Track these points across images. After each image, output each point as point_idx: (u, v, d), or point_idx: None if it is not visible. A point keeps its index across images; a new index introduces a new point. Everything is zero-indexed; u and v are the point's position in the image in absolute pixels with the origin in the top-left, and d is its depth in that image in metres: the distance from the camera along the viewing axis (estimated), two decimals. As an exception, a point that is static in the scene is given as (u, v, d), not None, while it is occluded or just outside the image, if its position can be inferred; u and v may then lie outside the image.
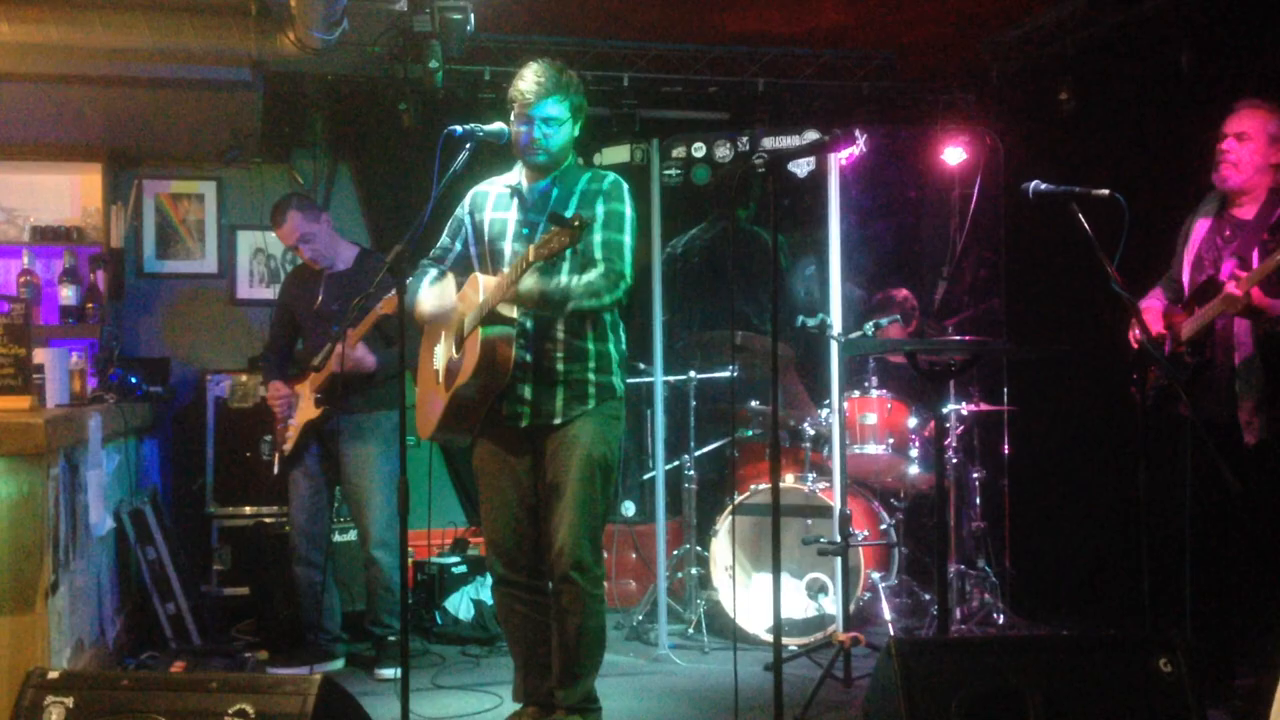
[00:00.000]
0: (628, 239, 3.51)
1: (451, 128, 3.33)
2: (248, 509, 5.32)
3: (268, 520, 5.22)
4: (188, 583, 5.04)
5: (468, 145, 3.37)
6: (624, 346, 3.66)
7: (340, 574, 4.92)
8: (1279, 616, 3.73)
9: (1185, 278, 3.96)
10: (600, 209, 3.49)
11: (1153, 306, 4.01)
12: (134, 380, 5.17)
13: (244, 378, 5.44)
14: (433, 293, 3.57)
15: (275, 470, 4.78)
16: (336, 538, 5.00)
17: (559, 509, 3.48)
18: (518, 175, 3.62)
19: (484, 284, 3.42)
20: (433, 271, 3.68)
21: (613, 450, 3.58)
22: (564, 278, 3.42)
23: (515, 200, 3.59)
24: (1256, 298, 3.61)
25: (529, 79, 3.46)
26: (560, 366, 3.48)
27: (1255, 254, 3.69)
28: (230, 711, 2.67)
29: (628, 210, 3.53)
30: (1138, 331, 3.93)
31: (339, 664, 4.67)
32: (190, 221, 6.09)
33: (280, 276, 6.01)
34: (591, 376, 3.52)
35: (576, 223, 3.12)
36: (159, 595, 4.85)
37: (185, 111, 5.44)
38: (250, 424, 5.32)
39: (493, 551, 3.63)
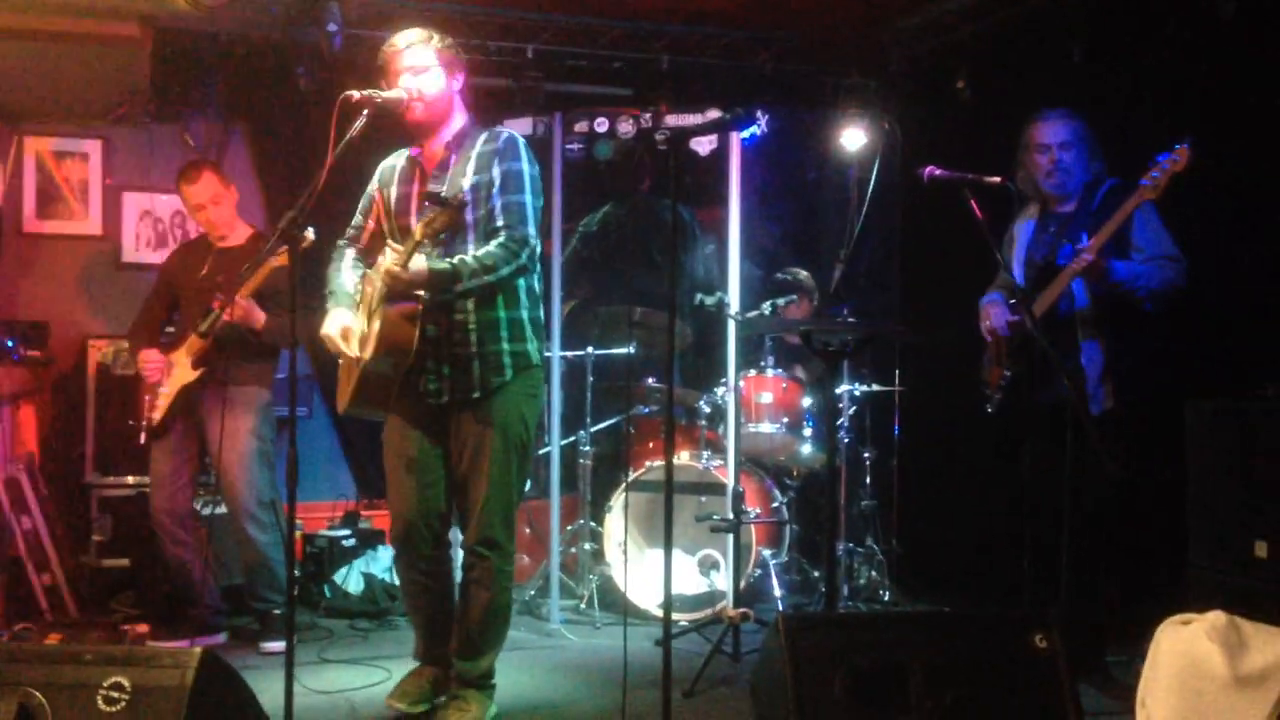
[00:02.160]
0: (529, 198, 3.47)
1: (349, 93, 3.25)
2: (130, 479, 5.16)
3: (147, 490, 5.07)
4: (65, 553, 4.90)
5: (365, 111, 3.29)
6: (539, 311, 3.65)
7: (217, 549, 4.80)
8: (1153, 596, 3.88)
9: (1018, 274, 4.13)
10: (496, 170, 3.47)
11: (996, 300, 4.18)
12: (10, 344, 5.00)
13: (126, 343, 5.27)
14: (339, 316, 3.51)
15: (141, 439, 4.62)
16: (211, 510, 4.88)
17: (474, 486, 3.50)
18: (417, 147, 3.59)
19: (384, 260, 3.37)
20: (350, 252, 3.68)
21: (529, 429, 3.59)
22: (466, 252, 3.39)
23: (417, 171, 3.56)
24: (1103, 265, 3.82)
25: (392, 39, 3.51)
26: (472, 338, 3.46)
27: (1085, 235, 3.88)
28: (106, 685, 2.61)
29: (525, 167, 3.50)
30: (989, 322, 4.14)
31: (222, 637, 4.58)
32: (74, 180, 5.87)
33: (169, 241, 5.86)
34: (505, 346, 3.50)
35: (454, 203, 3.13)
36: (34, 565, 4.70)
37: (70, 66, 5.24)
38: (133, 391, 5.14)
39: (397, 522, 3.61)
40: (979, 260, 4.11)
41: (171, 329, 4.78)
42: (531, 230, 3.46)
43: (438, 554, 3.66)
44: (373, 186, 3.70)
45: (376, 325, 3.36)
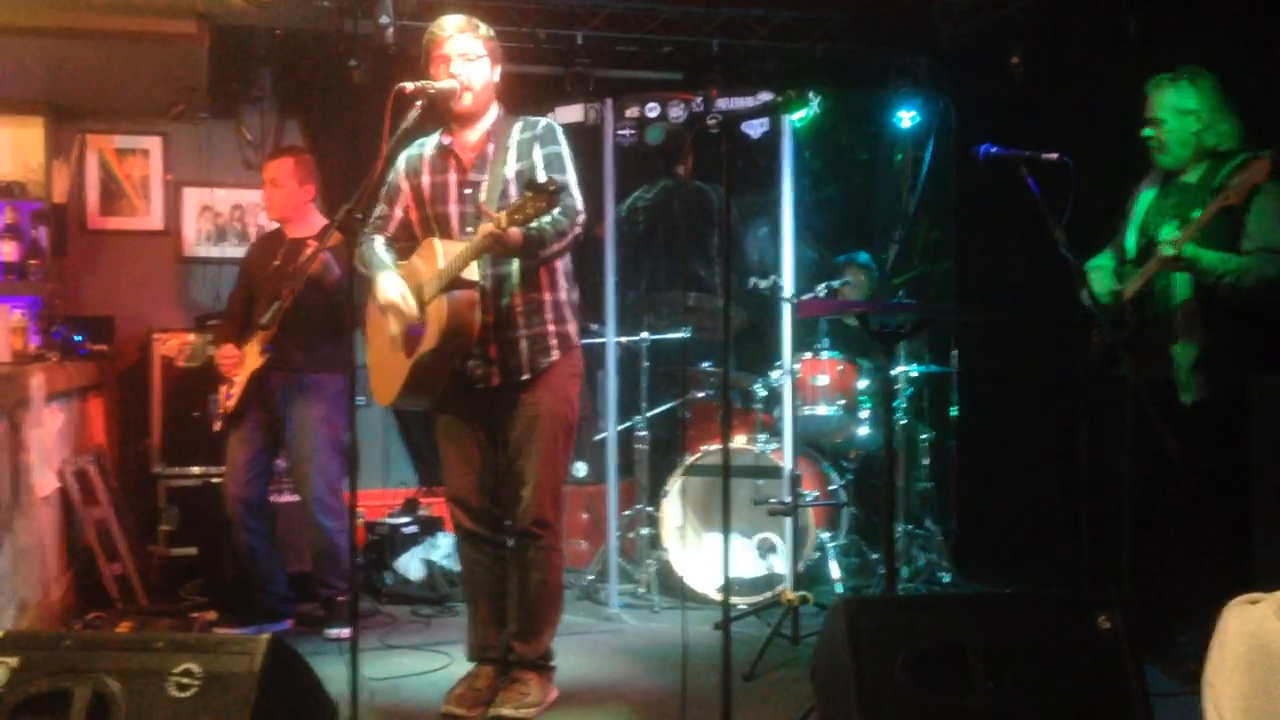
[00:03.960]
0: (571, 176, 3.53)
1: (402, 84, 3.27)
2: (195, 469, 5.26)
3: (215, 480, 5.15)
4: (134, 543, 5.00)
5: (419, 103, 3.31)
6: (576, 294, 3.69)
7: (285, 535, 4.88)
8: (1220, 577, 3.81)
9: (1130, 244, 4.02)
10: (538, 154, 3.53)
11: (1103, 265, 4.07)
12: (78, 339, 5.10)
13: (191, 336, 5.36)
14: (395, 280, 3.50)
15: (217, 427, 4.70)
16: (281, 498, 4.96)
17: (523, 467, 3.55)
18: (448, 135, 3.60)
19: (443, 250, 3.38)
20: (378, 239, 3.66)
21: (574, 409, 3.64)
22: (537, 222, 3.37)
23: (452, 160, 3.58)
24: (1190, 253, 3.68)
25: (437, 25, 3.52)
26: (521, 321, 3.52)
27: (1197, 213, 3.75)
28: (176, 671, 2.66)
29: (564, 149, 3.58)
30: (1085, 293, 4.01)
31: (287, 624, 4.65)
32: (135, 177, 5.97)
33: (227, 235, 5.95)
34: (551, 327, 3.56)
35: (552, 188, 3.11)
36: (104, 555, 4.80)
37: (129, 64, 5.32)
38: (197, 383, 5.25)
39: (457, 507, 3.67)
40: (1037, 239, 4.05)
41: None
42: (580, 202, 3.51)
43: (497, 536, 3.69)
44: (397, 175, 3.67)
45: (436, 314, 3.38)
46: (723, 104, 5.19)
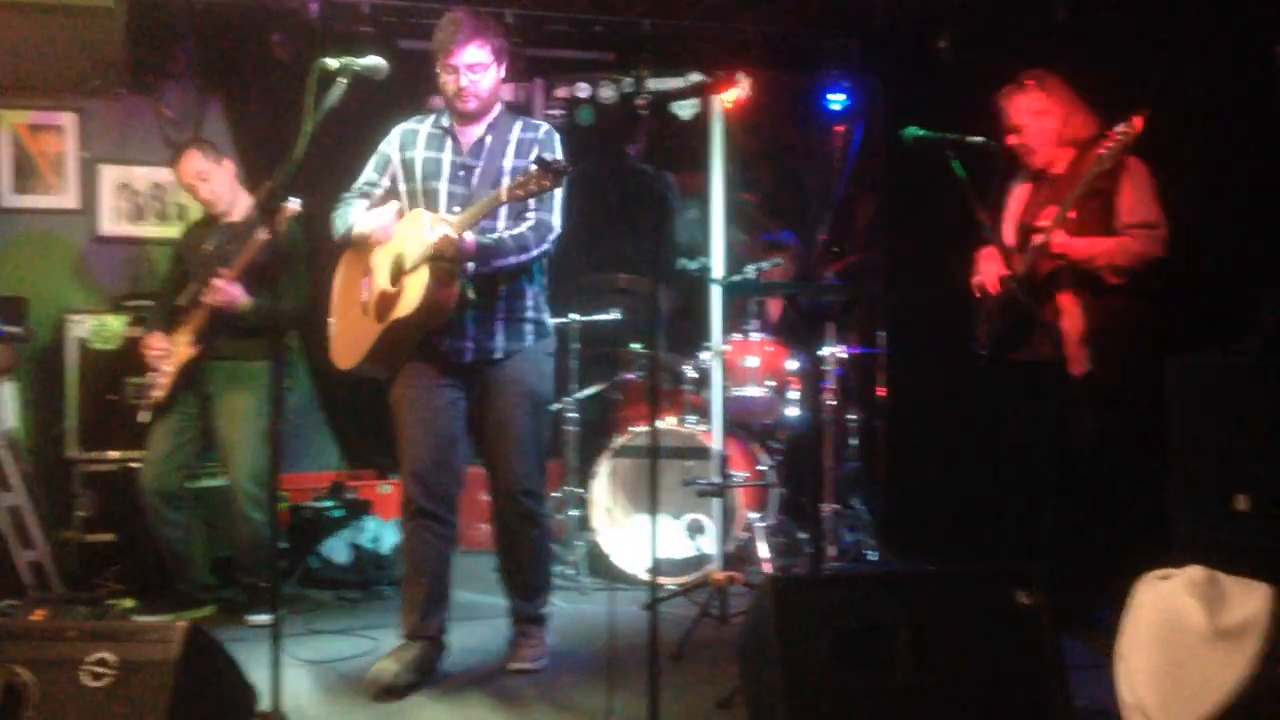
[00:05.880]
0: (559, 192, 3.62)
1: (325, 60, 3.21)
2: (113, 453, 5.12)
3: (134, 465, 5.03)
4: (49, 529, 4.88)
5: (343, 79, 3.25)
6: (546, 286, 3.86)
7: (210, 519, 4.79)
8: (1137, 553, 3.90)
9: (1010, 238, 4.16)
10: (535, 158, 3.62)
11: (993, 254, 4.17)
12: (-12, 320, 4.95)
13: (107, 318, 5.22)
14: (373, 213, 3.66)
15: (147, 418, 4.59)
16: (208, 483, 4.87)
17: (505, 442, 3.68)
18: (447, 118, 3.73)
19: (429, 220, 3.47)
20: (360, 204, 3.75)
21: (550, 385, 3.81)
22: (495, 229, 3.58)
23: (449, 142, 3.70)
24: (1060, 242, 3.83)
25: (448, 28, 3.59)
26: (502, 304, 3.64)
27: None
28: (90, 660, 2.61)
29: (560, 158, 3.66)
30: (979, 277, 4.12)
31: (208, 610, 4.58)
32: (49, 154, 5.80)
33: (146, 214, 5.83)
34: (529, 314, 3.72)
35: (559, 167, 3.24)
36: (18, 542, 4.69)
37: (44, 38, 5.15)
38: (114, 366, 5.12)
39: (413, 482, 3.68)
40: (965, 221, 4.10)
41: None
42: (559, 220, 3.66)
43: (449, 515, 3.73)
44: (389, 147, 3.78)
45: (416, 282, 3.45)
46: (653, 84, 5.16)
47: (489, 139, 3.68)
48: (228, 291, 4.33)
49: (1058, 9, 4.79)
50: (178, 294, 4.68)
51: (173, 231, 5.66)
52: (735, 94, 4.80)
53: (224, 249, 4.47)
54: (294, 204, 4.12)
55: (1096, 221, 3.89)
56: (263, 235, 4.18)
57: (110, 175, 5.87)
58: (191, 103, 5.89)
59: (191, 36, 5.71)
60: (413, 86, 4.91)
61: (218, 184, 4.62)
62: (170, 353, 4.52)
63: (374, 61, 3.36)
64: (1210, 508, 3.74)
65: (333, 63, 3.21)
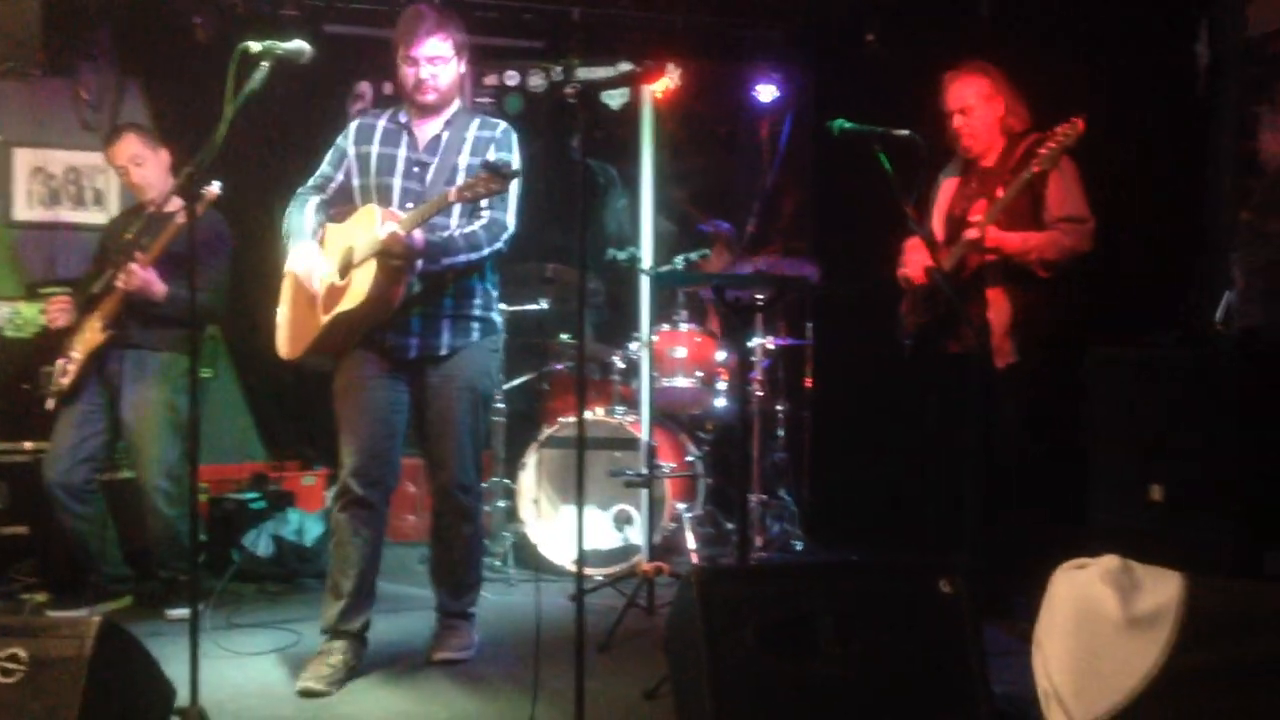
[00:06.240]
0: (514, 190, 3.63)
1: (246, 44, 3.15)
2: (26, 444, 4.99)
3: (45, 460, 4.92)
4: (-41, 522, 4.73)
5: (265, 63, 3.19)
6: (498, 284, 3.88)
7: (121, 511, 4.68)
8: (1056, 542, 3.97)
9: (940, 226, 4.21)
10: (493, 157, 3.59)
11: (919, 244, 4.21)
12: (-104, 306, 4.79)
13: (22, 305, 5.09)
14: (307, 252, 3.63)
15: (50, 405, 4.47)
16: (118, 475, 4.75)
17: (448, 435, 3.68)
18: (404, 112, 3.73)
19: (380, 216, 3.47)
20: (314, 199, 3.74)
21: (493, 381, 3.88)
22: (448, 227, 3.58)
23: (405, 137, 3.69)
24: (994, 237, 3.90)
25: (410, 20, 3.62)
26: (450, 301, 3.64)
27: (999, 194, 3.94)
28: (1, 656, 2.54)
29: (515, 160, 3.69)
30: (905, 269, 4.16)
31: (125, 602, 4.48)
32: (-40, 137, 5.64)
33: (61, 199, 5.69)
34: (477, 312, 3.72)
35: (507, 172, 3.27)
36: (-73, 535, 4.54)
37: (-47, 18, 5.00)
38: (28, 354, 4.98)
39: (351, 473, 3.64)
40: (892, 213, 4.14)
41: None
42: (513, 219, 3.67)
43: (383, 508, 3.72)
44: (345, 141, 3.77)
45: (363, 277, 3.45)
46: (583, 73, 5.15)
47: (445, 135, 3.68)
48: (142, 276, 4.23)
49: (980, 2, 4.85)
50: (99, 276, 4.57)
51: (90, 217, 5.53)
52: (665, 84, 4.81)
53: (144, 236, 4.37)
54: (214, 188, 4.05)
55: (1025, 215, 3.95)
56: (180, 219, 4.10)
57: (25, 159, 5.72)
58: (110, 85, 5.76)
59: (110, 18, 5.57)
60: (337, 71, 4.86)
61: (150, 171, 4.52)
62: (79, 334, 4.40)
63: (298, 46, 3.29)
64: (1126, 498, 3.84)
65: (255, 46, 3.16)
